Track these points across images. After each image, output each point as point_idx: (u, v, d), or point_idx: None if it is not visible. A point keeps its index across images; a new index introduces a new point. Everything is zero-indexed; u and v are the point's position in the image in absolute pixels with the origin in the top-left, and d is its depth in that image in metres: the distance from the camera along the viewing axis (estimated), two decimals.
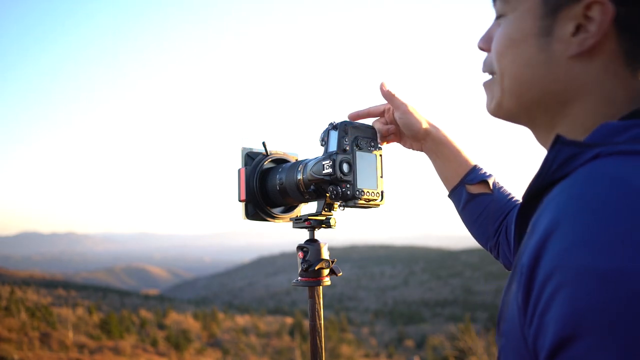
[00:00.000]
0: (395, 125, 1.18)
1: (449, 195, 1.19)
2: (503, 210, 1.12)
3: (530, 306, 0.46)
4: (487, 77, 0.73)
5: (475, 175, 1.14)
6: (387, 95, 1.13)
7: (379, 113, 1.20)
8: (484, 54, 0.74)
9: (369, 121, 1.21)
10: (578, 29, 0.59)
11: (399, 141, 1.22)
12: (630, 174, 0.46)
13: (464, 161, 1.16)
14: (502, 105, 0.69)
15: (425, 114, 1.17)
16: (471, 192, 1.14)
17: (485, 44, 0.72)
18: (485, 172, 1.15)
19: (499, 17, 0.69)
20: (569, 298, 0.42)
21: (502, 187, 1.16)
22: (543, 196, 0.55)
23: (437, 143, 1.16)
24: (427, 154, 1.19)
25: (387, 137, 1.20)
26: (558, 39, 0.60)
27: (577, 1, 0.58)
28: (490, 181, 1.13)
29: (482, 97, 0.77)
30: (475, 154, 1.20)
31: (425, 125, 1.15)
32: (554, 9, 0.60)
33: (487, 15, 0.76)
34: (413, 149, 1.20)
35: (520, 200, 0.71)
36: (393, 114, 1.16)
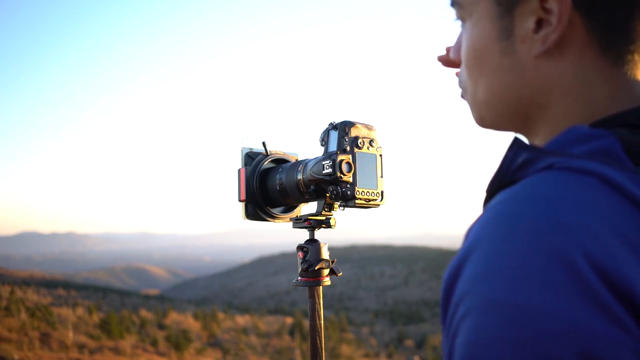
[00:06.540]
0: None
1: None
2: None
3: (447, 322, 0.46)
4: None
5: None
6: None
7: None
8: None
9: (368, 120, 1.21)
10: (539, 24, 0.53)
11: None
12: (564, 204, 0.43)
13: None
14: (483, 118, 0.63)
15: None
16: None
17: (457, 54, 0.65)
18: None
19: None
20: (474, 326, 0.42)
21: None
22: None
23: None
24: None
25: None
26: (520, 38, 0.54)
27: None
28: None
29: None
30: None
31: None
32: (509, 6, 0.54)
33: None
34: None
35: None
36: None
